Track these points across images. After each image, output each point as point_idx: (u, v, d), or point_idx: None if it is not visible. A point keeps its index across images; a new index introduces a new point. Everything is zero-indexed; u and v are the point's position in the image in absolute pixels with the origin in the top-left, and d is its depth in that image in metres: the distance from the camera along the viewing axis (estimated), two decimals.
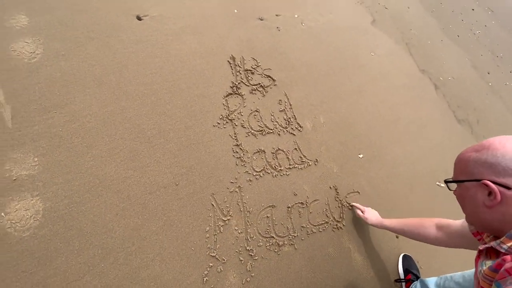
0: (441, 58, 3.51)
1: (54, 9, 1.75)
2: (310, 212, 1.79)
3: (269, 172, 1.81)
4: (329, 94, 2.36)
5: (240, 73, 2.06)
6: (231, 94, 1.96)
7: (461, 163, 0.91)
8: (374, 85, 2.68)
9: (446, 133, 2.78)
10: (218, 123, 1.82)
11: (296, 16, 2.73)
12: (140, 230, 1.39)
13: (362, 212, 1.76)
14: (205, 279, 1.39)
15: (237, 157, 1.77)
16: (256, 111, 1.97)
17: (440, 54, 3.56)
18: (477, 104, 3.29)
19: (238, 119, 1.89)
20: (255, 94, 2.04)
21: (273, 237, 1.62)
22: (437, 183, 2.36)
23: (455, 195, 0.99)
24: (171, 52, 1.95)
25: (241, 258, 1.50)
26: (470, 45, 4.08)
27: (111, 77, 1.69)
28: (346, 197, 1.93)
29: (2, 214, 1.21)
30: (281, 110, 2.06)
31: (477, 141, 2.91)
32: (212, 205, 1.58)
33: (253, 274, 1.49)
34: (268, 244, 1.60)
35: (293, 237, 1.67)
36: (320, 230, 1.76)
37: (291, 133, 2.00)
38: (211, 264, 1.43)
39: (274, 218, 1.68)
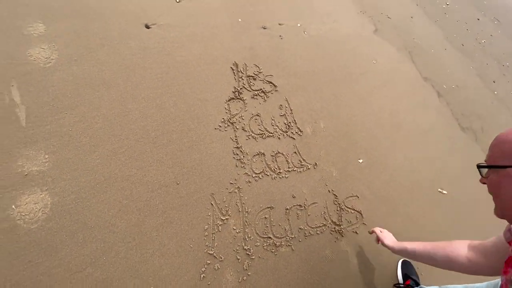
0: (444, 66, 3.52)
1: (69, 18, 1.87)
2: (308, 215, 1.82)
3: (268, 174, 1.85)
4: (330, 100, 2.41)
5: (242, 79, 2.14)
6: (233, 98, 2.03)
7: (504, 145, 0.81)
8: (376, 92, 2.71)
9: (449, 140, 2.78)
10: (220, 126, 1.89)
11: (298, 25, 2.81)
12: (141, 226, 1.45)
13: (380, 231, 1.61)
14: (202, 276, 1.43)
15: (237, 159, 1.82)
16: (257, 115, 2.03)
17: (444, 62, 3.58)
18: (481, 112, 3.27)
19: (239, 122, 1.96)
20: (257, 99, 2.10)
21: (270, 237, 1.66)
22: (439, 189, 2.35)
23: (483, 183, 0.91)
24: (176, 59, 2.05)
25: (238, 257, 1.54)
26: (475, 54, 4.08)
27: (119, 81, 1.79)
28: (345, 201, 1.95)
29: (13, 206, 1.29)
30: (281, 115, 2.12)
31: (481, 149, 2.90)
32: (212, 204, 1.63)
33: (249, 273, 1.52)
34: (265, 244, 1.63)
35: (291, 238, 1.70)
36: (318, 232, 1.78)
37: (291, 137, 2.05)
38: (209, 262, 1.47)
39: (272, 219, 1.72)
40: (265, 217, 1.70)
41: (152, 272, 1.37)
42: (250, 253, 1.56)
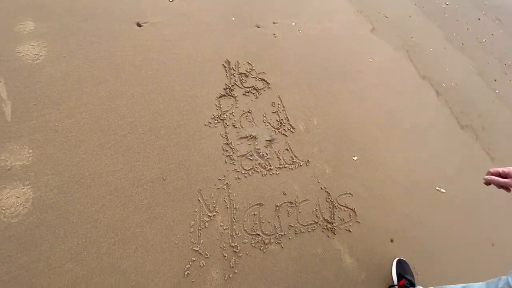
0: (443, 65, 3.47)
1: (60, 16, 1.88)
2: (299, 212, 1.77)
3: (258, 171, 1.82)
4: (324, 98, 2.37)
5: (234, 76, 2.13)
6: (224, 95, 2.01)
7: None
8: (372, 90, 2.67)
9: (448, 139, 2.72)
10: (210, 123, 1.87)
11: (293, 24, 2.80)
12: (125, 221, 1.42)
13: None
14: (186, 273, 1.39)
15: (227, 155, 1.79)
16: (249, 112, 2.01)
17: (443, 61, 3.53)
18: (482, 110, 3.20)
19: (230, 119, 1.93)
20: (248, 96, 2.08)
21: (259, 234, 1.62)
22: (437, 188, 2.29)
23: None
24: (168, 56, 2.04)
25: (225, 254, 1.50)
26: (476, 53, 4.02)
27: (108, 77, 1.78)
28: (338, 198, 1.90)
29: None
30: (273, 112, 2.09)
31: (482, 147, 2.83)
32: (198, 200, 1.60)
33: (236, 271, 1.48)
34: (253, 242, 1.59)
35: (280, 235, 1.66)
36: (309, 230, 1.74)
37: (283, 134, 2.02)
38: (194, 259, 1.44)
39: (261, 216, 1.68)
40: (254, 214, 1.66)
41: (135, 268, 1.33)
42: (237, 250, 1.52)
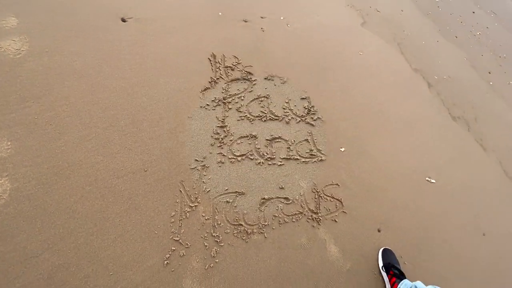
0: (436, 57, 3.45)
1: (43, 12, 1.89)
2: (287, 203, 1.76)
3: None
4: (312, 90, 2.36)
5: (220, 70, 2.12)
6: (208, 88, 2.01)
7: None
8: (361, 83, 2.66)
9: (439, 130, 2.69)
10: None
11: (282, 18, 2.80)
12: (104, 212, 1.42)
13: None
14: (165, 262, 1.38)
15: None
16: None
17: (435, 54, 3.51)
18: (475, 102, 3.17)
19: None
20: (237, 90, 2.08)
21: (241, 224, 1.60)
22: (427, 178, 2.26)
23: None
24: (152, 50, 2.05)
25: (206, 244, 1.49)
26: (470, 45, 3.99)
27: (91, 71, 1.79)
28: (324, 189, 1.89)
29: None
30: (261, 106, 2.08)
31: (474, 138, 2.80)
32: (180, 191, 1.59)
33: (217, 260, 1.47)
34: (236, 232, 1.57)
35: (264, 225, 1.64)
36: (294, 220, 1.72)
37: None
38: (174, 248, 1.43)
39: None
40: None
41: (113, 258, 1.33)
42: (218, 240, 1.51)
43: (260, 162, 1.80)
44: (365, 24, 3.33)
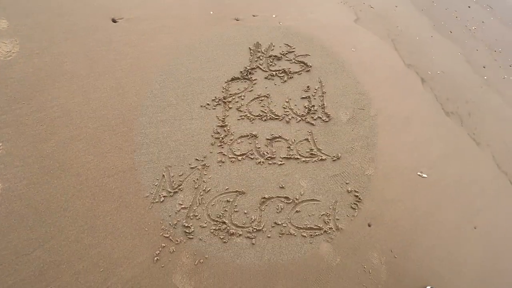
0: (430, 53, 3.45)
1: (34, 14, 1.91)
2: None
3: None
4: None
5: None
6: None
7: None
8: (354, 79, 2.66)
9: (432, 125, 2.70)
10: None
11: (274, 16, 2.81)
12: (94, 210, 1.45)
13: None
14: (156, 259, 1.40)
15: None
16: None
17: (429, 49, 3.51)
18: (469, 97, 3.18)
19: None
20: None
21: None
22: (419, 173, 2.27)
23: None
24: (144, 49, 2.07)
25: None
26: (465, 40, 3.99)
27: (81, 72, 1.81)
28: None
29: None
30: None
31: (467, 133, 2.80)
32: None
33: (207, 256, 1.48)
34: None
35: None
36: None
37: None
38: (164, 245, 1.45)
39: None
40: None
41: (103, 256, 1.35)
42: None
43: (260, 162, 1.80)
44: (358, 20, 3.33)
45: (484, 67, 3.72)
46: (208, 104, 1.88)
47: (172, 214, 1.54)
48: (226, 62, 2.08)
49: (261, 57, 2.16)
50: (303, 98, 2.11)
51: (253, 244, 1.59)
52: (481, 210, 2.24)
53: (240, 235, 1.59)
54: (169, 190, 1.58)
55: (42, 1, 1.98)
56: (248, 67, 2.05)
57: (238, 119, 1.90)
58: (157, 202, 1.52)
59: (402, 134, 2.49)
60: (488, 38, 4.31)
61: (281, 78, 2.12)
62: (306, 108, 2.06)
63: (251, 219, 1.65)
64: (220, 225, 1.58)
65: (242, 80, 2.05)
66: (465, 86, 3.29)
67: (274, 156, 1.85)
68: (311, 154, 1.91)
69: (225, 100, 1.93)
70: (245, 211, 1.66)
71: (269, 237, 1.63)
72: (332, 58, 2.72)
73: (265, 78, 2.08)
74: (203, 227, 1.55)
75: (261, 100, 2.01)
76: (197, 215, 1.57)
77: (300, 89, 2.15)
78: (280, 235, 1.63)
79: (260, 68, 2.08)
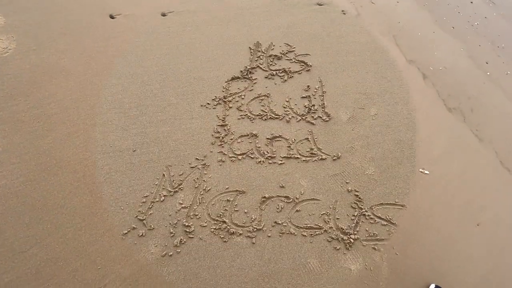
0: (432, 49, 3.42)
1: (31, 10, 1.90)
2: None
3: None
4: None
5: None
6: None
7: None
8: (354, 76, 2.64)
9: (434, 121, 2.67)
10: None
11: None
12: (92, 207, 1.43)
13: None
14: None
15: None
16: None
17: (431, 45, 3.47)
18: (472, 93, 3.14)
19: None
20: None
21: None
22: (421, 170, 2.25)
23: None
24: (141, 47, 2.05)
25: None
26: (467, 36, 3.94)
27: (79, 68, 1.80)
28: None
29: None
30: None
31: (470, 129, 2.77)
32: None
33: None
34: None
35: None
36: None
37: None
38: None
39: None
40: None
41: (101, 253, 1.34)
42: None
43: (260, 161, 1.78)
44: (359, 16, 3.31)
45: (487, 63, 3.68)
46: (208, 103, 1.86)
47: (173, 213, 1.51)
48: (226, 61, 2.05)
49: (261, 57, 2.14)
50: (303, 97, 2.08)
51: (253, 243, 1.57)
52: (484, 206, 2.21)
53: (240, 234, 1.57)
54: (169, 189, 1.55)
55: None
56: (249, 67, 2.02)
57: (239, 119, 1.88)
58: (157, 201, 1.49)
59: (403, 130, 2.46)
60: (491, 33, 4.27)
61: (281, 78, 2.09)
62: (306, 107, 2.03)
63: (251, 218, 1.62)
64: (220, 224, 1.55)
65: (242, 80, 2.03)
66: (467, 82, 3.26)
67: (274, 155, 1.82)
68: (311, 153, 1.88)
69: (225, 100, 1.91)
70: (246, 211, 1.64)
71: (269, 236, 1.59)
72: (332, 58, 2.69)
73: (265, 77, 2.05)
74: (204, 226, 1.53)
75: (261, 100, 1.99)
76: (197, 215, 1.54)
77: (300, 89, 2.11)
78: (281, 234, 1.60)
79: (260, 68, 2.05)
